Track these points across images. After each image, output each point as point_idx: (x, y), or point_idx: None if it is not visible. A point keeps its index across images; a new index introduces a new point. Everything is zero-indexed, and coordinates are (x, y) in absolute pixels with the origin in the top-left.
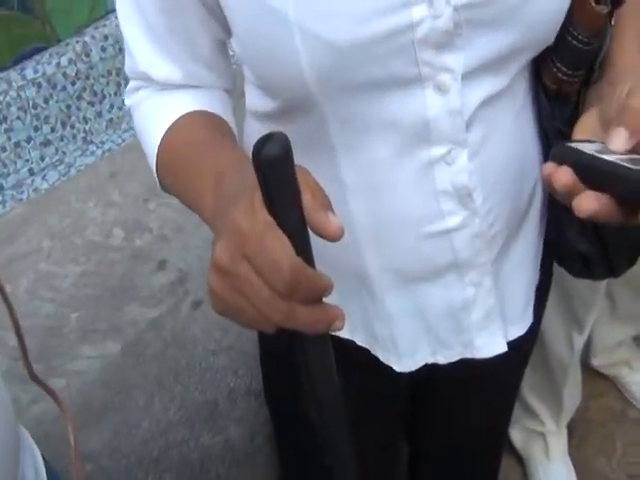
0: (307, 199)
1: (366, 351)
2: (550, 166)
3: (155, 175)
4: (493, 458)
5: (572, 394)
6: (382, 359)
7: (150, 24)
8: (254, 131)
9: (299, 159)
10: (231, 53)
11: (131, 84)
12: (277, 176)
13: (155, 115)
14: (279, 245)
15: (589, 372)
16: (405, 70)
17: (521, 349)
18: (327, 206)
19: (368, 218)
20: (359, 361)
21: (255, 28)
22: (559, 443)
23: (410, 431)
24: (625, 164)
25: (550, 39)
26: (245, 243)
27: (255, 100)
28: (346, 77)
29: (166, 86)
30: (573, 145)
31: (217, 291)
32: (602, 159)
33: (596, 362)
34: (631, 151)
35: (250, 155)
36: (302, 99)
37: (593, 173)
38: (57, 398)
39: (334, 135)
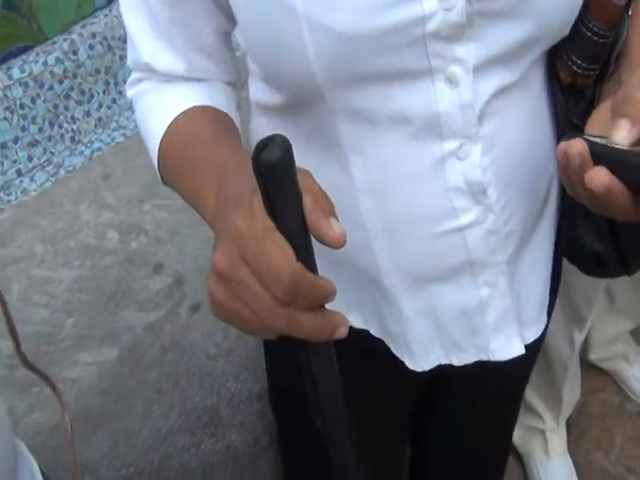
0: (308, 204)
1: (380, 341)
2: (563, 142)
3: (157, 169)
4: (500, 459)
5: (571, 390)
6: (395, 353)
7: (154, 14)
8: (259, 125)
9: (305, 155)
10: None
11: (133, 75)
12: (277, 181)
13: (157, 109)
14: (279, 250)
15: (587, 366)
16: (415, 62)
17: (532, 349)
18: (329, 211)
19: (378, 216)
20: (372, 350)
21: (261, 18)
22: (559, 440)
23: (416, 433)
24: (637, 150)
25: (565, 31)
26: (245, 248)
27: (260, 93)
28: (354, 69)
29: (169, 78)
30: (584, 137)
31: (216, 296)
32: (613, 147)
33: (594, 356)
34: None
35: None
36: (309, 92)
37: (604, 160)
38: (55, 388)
39: (342, 130)
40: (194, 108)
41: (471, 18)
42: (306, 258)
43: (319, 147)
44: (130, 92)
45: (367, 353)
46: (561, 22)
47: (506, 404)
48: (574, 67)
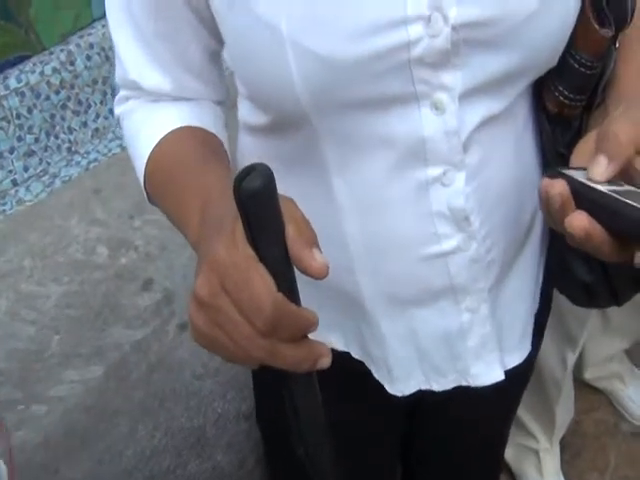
0: (291, 233)
1: (361, 364)
2: (545, 180)
3: (143, 190)
4: (491, 475)
5: (565, 410)
6: (376, 376)
7: (141, 31)
8: (246, 145)
9: (289, 176)
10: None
11: (121, 93)
12: (259, 210)
13: (145, 128)
14: (260, 280)
15: (581, 385)
16: (400, 88)
17: (519, 374)
18: (312, 241)
19: (361, 239)
20: (353, 373)
21: (246, 40)
22: (552, 460)
23: (404, 449)
24: (615, 196)
25: (552, 62)
26: (225, 276)
27: (247, 113)
28: (339, 94)
29: (156, 97)
30: (566, 171)
31: (197, 324)
32: (594, 188)
33: (588, 375)
34: (624, 178)
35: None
36: (293, 115)
37: (585, 202)
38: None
39: (327, 152)
40: (181, 129)
41: (456, 46)
42: (288, 288)
43: (304, 168)
44: (118, 110)
45: (348, 376)
46: (548, 54)
47: (492, 427)
48: (561, 97)
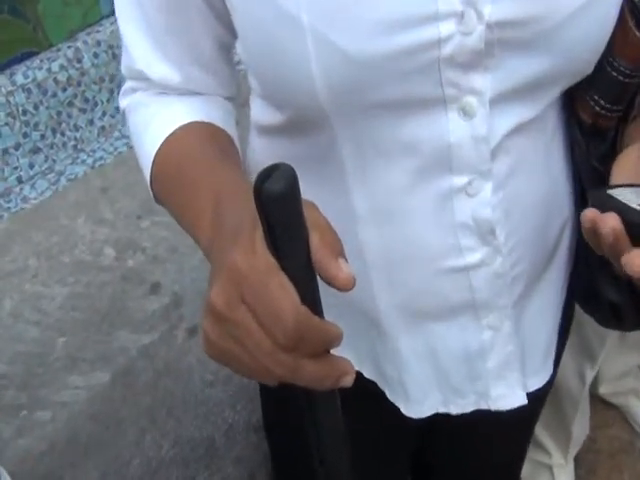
0: (315, 241)
1: (374, 384)
2: (592, 211)
3: (150, 189)
4: None
5: (581, 426)
6: (390, 397)
7: (149, 21)
8: (258, 147)
9: (303, 179)
10: (236, 59)
11: (127, 84)
12: (281, 215)
13: (152, 124)
14: (282, 292)
15: (595, 400)
16: (427, 90)
17: (539, 393)
18: (338, 250)
19: (379, 249)
20: (365, 393)
21: (262, 32)
22: (566, 476)
23: (417, 469)
24: None
25: (589, 68)
26: (244, 287)
27: (260, 112)
28: (361, 93)
29: (164, 90)
30: (615, 193)
31: (212, 338)
32: None
33: (603, 390)
34: None
35: (252, 175)
36: (311, 114)
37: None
38: None
39: (345, 157)
40: (191, 124)
41: (490, 45)
42: (312, 300)
43: (319, 172)
44: (123, 102)
45: (360, 396)
46: (586, 58)
47: (510, 445)
48: (596, 107)
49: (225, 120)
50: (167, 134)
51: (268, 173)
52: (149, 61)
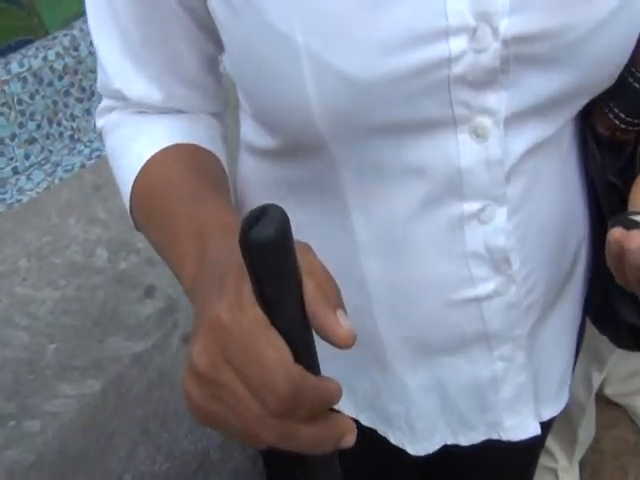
0: (310, 290)
1: (373, 430)
2: (618, 230)
3: (130, 217)
4: None
5: (587, 430)
6: (394, 441)
7: (126, 35)
8: (249, 167)
9: (301, 207)
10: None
11: (104, 103)
12: (271, 264)
13: (130, 147)
14: (272, 351)
15: (601, 401)
16: (435, 111)
17: (551, 420)
18: (335, 301)
19: (383, 281)
20: (363, 438)
21: (253, 53)
22: (571, 479)
23: None
24: None
25: (610, 82)
26: (229, 345)
27: (251, 133)
28: (363, 118)
29: (144, 108)
30: (636, 218)
31: (194, 399)
32: None
33: (609, 391)
34: None
35: (242, 197)
36: (308, 140)
37: None
38: None
39: (346, 183)
40: (173, 148)
41: (505, 62)
42: (307, 356)
43: (317, 199)
44: (100, 122)
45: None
46: (610, 72)
47: (518, 471)
48: (616, 121)
49: (211, 140)
50: (146, 159)
51: (256, 217)
52: (127, 79)
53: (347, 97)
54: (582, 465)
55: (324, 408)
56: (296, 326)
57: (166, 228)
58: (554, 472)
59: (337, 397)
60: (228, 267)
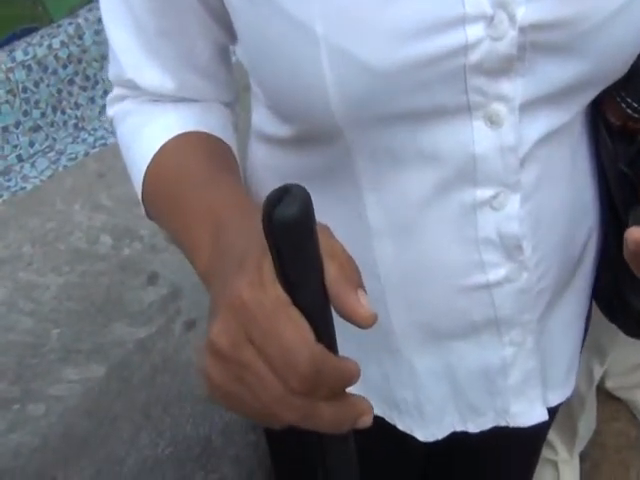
0: (332, 272)
1: (381, 417)
2: (638, 230)
3: (141, 204)
4: None
5: (587, 423)
6: (402, 428)
7: (140, 25)
8: (260, 155)
9: (314, 192)
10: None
11: (115, 91)
12: (294, 243)
13: (142, 135)
14: (295, 330)
15: (602, 394)
16: (450, 98)
17: (557, 406)
18: (356, 282)
19: (395, 266)
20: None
21: (270, 42)
22: (571, 472)
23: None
24: None
25: (623, 71)
26: (251, 325)
27: (264, 121)
28: (380, 106)
29: (157, 97)
30: None
31: (214, 379)
32: None
33: (610, 384)
34: None
35: (251, 186)
36: (323, 128)
37: None
38: None
39: (361, 169)
40: (185, 135)
41: (522, 50)
42: (327, 336)
43: (331, 184)
44: (111, 110)
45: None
46: (622, 61)
47: (522, 457)
48: (628, 110)
49: (223, 128)
50: (158, 147)
51: (279, 196)
52: (140, 68)
53: (365, 86)
54: (583, 458)
55: (344, 387)
56: (317, 306)
57: (180, 213)
58: (554, 464)
59: (356, 376)
60: (248, 247)
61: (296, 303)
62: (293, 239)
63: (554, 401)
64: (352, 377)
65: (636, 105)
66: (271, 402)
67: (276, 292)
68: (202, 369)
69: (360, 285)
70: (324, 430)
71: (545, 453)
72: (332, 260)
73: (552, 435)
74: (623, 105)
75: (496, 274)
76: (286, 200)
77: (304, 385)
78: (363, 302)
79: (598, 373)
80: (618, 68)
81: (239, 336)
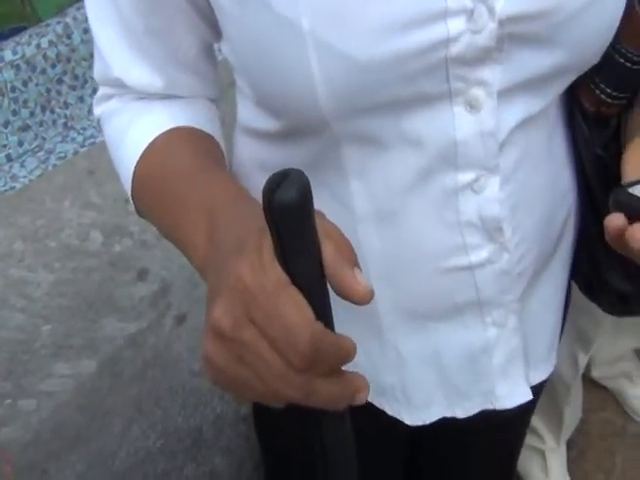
0: (329, 252)
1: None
2: (617, 217)
3: (131, 201)
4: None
5: (573, 411)
6: (390, 412)
7: (128, 25)
8: (246, 148)
9: None
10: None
11: (102, 91)
12: (294, 226)
13: (130, 132)
14: (295, 308)
15: (588, 383)
16: (432, 87)
17: (540, 385)
18: (353, 261)
19: (380, 250)
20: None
21: (258, 39)
22: (558, 460)
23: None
24: None
25: (597, 58)
26: (252, 305)
27: (250, 116)
28: (365, 98)
29: (144, 95)
30: (636, 191)
31: (215, 361)
32: None
33: (596, 374)
34: None
35: (242, 181)
36: (310, 121)
37: None
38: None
39: (346, 157)
40: (173, 130)
41: (500, 41)
42: (325, 315)
43: (315, 173)
44: (98, 110)
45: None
46: (598, 48)
47: (507, 443)
48: (602, 95)
49: (210, 123)
50: (148, 142)
51: (278, 181)
52: (128, 67)
53: (350, 79)
54: (569, 446)
55: (342, 364)
56: (315, 285)
57: (171, 209)
58: (542, 453)
59: (353, 353)
60: (245, 231)
61: (295, 283)
62: (292, 222)
63: (537, 378)
64: (349, 354)
65: (609, 90)
66: (273, 380)
67: (276, 273)
68: (204, 355)
69: (356, 264)
70: (322, 406)
71: (532, 442)
72: (329, 241)
73: (539, 424)
74: (597, 91)
75: (478, 256)
76: (285, 184)
77: (305, 362)
78: (360, 279)
79: (583, 361)
80: (593, 56)
81: (241, 317)
